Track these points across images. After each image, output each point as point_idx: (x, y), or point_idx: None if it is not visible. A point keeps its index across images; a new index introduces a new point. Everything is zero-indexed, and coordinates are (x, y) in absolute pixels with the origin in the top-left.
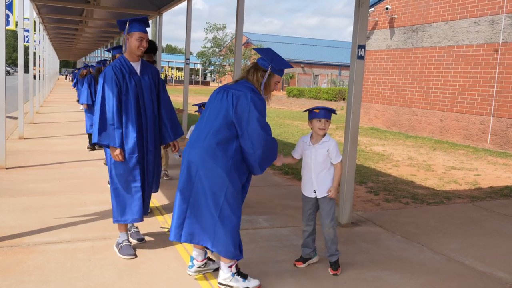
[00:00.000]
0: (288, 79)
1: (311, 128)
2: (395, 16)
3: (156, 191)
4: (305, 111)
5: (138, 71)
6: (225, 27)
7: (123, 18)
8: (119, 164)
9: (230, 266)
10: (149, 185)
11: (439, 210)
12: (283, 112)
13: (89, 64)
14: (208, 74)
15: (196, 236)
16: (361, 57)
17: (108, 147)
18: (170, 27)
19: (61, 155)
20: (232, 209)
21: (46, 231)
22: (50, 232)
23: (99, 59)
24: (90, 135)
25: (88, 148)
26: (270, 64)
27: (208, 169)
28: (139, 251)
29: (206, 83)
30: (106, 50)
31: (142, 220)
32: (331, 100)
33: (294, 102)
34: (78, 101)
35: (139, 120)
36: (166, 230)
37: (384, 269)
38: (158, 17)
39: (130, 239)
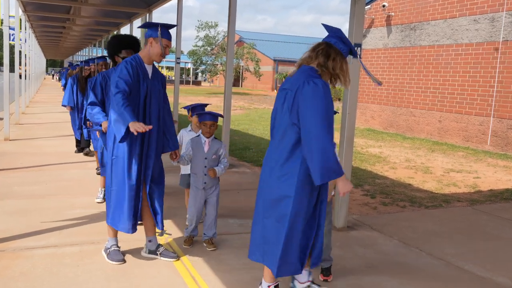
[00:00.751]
0: (282, 78)
1: None
2: (392, 13)
3: (161, 208)
4: None
5: (149, 75)
6: (217, 25)
7: (112, 16)
8: (117, 165)
9: None
10: (146, 192)
11: (437, 214)
12: None
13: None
14: (200, 74)
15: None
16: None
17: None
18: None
19: (48, 157)
20: None
21: (32, 236)
22: (37, 237)
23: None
24: (78, 140)
25: (75, 152)
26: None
27: None
28: (128, 257)
29: (197, 83)
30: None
31: (133, 232)
32: None
33: None
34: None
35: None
36: (157, 234)
37: (381, 274)
38: (147, 14)
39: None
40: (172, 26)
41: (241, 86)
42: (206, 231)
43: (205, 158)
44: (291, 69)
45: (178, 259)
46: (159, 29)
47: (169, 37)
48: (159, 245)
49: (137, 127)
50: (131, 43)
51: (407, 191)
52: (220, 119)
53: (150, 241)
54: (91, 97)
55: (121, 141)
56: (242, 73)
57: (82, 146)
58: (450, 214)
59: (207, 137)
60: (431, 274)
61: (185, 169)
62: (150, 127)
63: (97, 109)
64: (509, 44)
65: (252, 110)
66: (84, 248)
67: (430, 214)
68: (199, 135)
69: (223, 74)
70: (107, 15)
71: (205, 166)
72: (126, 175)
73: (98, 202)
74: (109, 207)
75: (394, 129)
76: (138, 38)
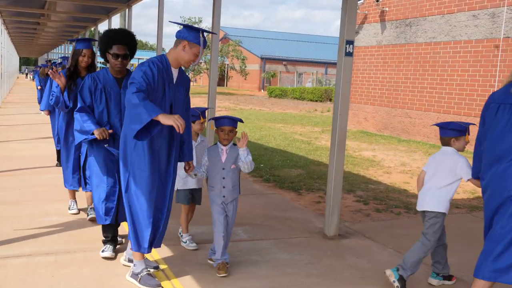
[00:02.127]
0: (270, 78)
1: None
2: (387, 9)
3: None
4: None
5: (174, 79)
6: (200, 21)
7: (89, 11)
8: (142, 181)
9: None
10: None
11: None
12: (264, 114)
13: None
14: None
15: None
16: (349, 54)
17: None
18: (140, 20)
19: (21, 161)
20: None
21: (5, 244)
22: (10, 245)
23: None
24: (59, 151)
25: (56, 165)
26: None
27: None
28: (108, 263)
29: None
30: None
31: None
32: (316, 101)
33: (276, 103)
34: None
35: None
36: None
37: (375, 285)
38: (127, 9)
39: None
40: (210, 33)
41: (226, 86)
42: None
43: (223, 169)
44: (279, 68)
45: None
46: (200, 36)
47: (204, 45)
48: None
49: (174, 121)
50: (124, 38)
51: (402, 197)
52: (203, 121)
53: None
54: (79, 102)
55: (143, 138)
56: (227, 72)
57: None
58: (448, 221)
59: (225, 145)
60: (428, 285)
61: (183, 183)
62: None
63: (86, 116)
64: (511, 41)
65: (238, 111)
66: (60, 257)
67: None
68: (216, 144)
69: (207, 73)
70: (84, 10)
71: (223, 178)
72: (149, 193)
73: (74, 213)
74: (135, 230)
75: (388, 131)
76: (133, 33)
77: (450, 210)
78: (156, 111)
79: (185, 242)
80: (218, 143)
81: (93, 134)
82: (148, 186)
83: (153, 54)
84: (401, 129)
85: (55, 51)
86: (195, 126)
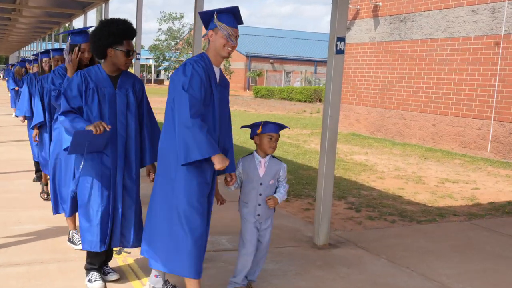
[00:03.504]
0: (255, 77)
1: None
2: (380, 3)
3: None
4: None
5: (217, 79)
6: (182, 17)
7: (64, 6)
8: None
9: None
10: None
11: (431, 229)
12: (250, 115)
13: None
14: (162, 71)
15: None
16: (340, 52)
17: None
18: (117, 16)
19: None
20: None
21: None
22: None
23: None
24: (37, 163)
25: (34, 180)
26: None
27: None
28: (82, 274)
29: (159, 82)
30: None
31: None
32: (305, 101)
33: (262, 104)
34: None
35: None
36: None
37: None
38: (104, 4)
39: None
40: (231, 10)
41: None
42: (249, 273)
43: (260, 184)
44: (265, 66)
45: None
46: (215, 16)
47: (231, 23)
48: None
49: (220, 163)
50: (133, 31)
51: (396, 203)
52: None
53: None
54: (63, 104)
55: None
56: None
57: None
58: (445, 230)
59: (264, 156)
60: None
61: None
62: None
63: (75, 115)
64: None
65: None
66: (32, 268)
67: (423, 229)
68: (252, 153)
69: None
70: (58, 5)
71: (260, 194)
72: (196, 208)
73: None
74: (174, 259)
75: (382, 134)
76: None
77: (447, 218)
78: (214, 149)
79: None
80: (255, 153)
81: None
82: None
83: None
84: (396, 132)
85: (27, 49)
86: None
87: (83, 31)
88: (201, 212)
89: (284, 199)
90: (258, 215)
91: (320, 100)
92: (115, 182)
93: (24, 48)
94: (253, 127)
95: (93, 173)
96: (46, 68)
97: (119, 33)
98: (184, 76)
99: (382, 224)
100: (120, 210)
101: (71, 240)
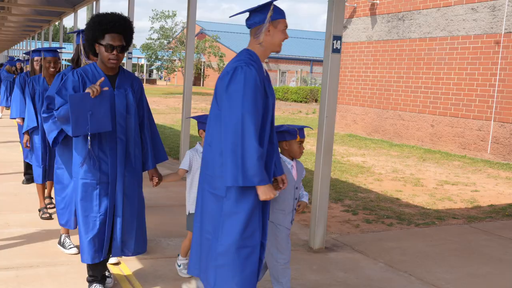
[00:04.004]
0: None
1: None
2: (377, 1)
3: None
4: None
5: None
6: (175, 15)
7: (53, 3)
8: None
9: None
10: None
11: (429, 232)
12: None
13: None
14: (155, 71)
15: None
16: (336, 51)
17: None
18: None
19: None
20: None
21: None
22: None
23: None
24: (28, 165)
25: (23, 182)
26: None
27: None
28: (72, 278)
29: (152, 81)
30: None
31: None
32: (301, 101)
33: None
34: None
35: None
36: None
37: None
38: (94, 2)
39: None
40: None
41: (203, 85)
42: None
43: (296, 188)
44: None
45: None
46: (271, 9)
47: (284, 15)
48: None
49: (268, 194)
50: (119, 24)
51: (394, 206)
52: (178, 123)
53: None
54: (58, 101)
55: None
56: (203, 70)
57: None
58: (444, 233)
59: (293, 159)
60: None
61: (194, 207)
62: None
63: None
64: None
65: None
66: (21, 272)
67: (421, 233)
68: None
69: (182, 72)
70: (48, 3)
71: (296, 199)
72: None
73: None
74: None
75: (379, 135)
76: (128, 18)
77: (446, 221)
78: (266, 178)
79: (179, 266)
80: (284, 157)
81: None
82: None
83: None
84: (393, 133)
85: (16, 47)
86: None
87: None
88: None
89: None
90: (292, 221)
91: (316, 101)
92: (115, 190)
93: (13, 47)
94: (286, 133)
95: (91, 182)
96: (37, 67)
97: (101, 26)
98: (245, 87)
99: (380, 227)
100: (120, 219)
101: (61, 244)
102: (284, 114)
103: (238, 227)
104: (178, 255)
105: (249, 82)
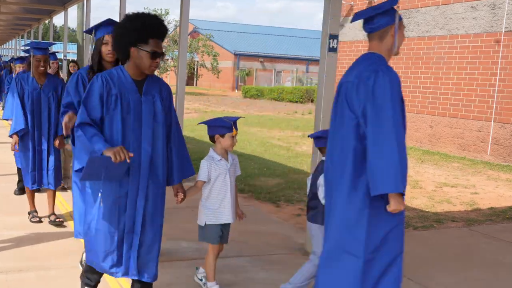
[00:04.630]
0: (244, 76)
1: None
2: None
3: None
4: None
5: None
6: (167, 13)
7: (43, 2)
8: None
9: None
10: None
11: (428, 236)
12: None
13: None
14: None
15: None
16: (333, 50)
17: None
18: (100, 13)
19: None
20: None
21: None
22: None
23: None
24: (20, 171)
25: (15, 193)
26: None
27: None
28: (62, 283)
29: None
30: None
31: None
32: (296, 102)
33: (251, 104)
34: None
35: None
36: None
37: None
38: (85, 0)
39: None
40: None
41: (196, 85)
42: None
43: None
44: (255, 65)
45: None
46: (397, 15)
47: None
48: None
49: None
50: (164, 29)
51: None
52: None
53: None
54: (82, 115)
55: None
56: (197, 69)
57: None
58: (444, 236)
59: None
60: None
61: (213, 216)
62: None
63: (93, 130)
64: None
65: (209, 114)
66: (10, 276)
67: (420, 236)
68: None
69: (175, 71)
70: (38, 1)
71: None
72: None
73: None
74: None
75: None
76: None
77: (446, 224)
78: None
79: (201, 280)
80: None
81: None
82: None
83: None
84: None
85: (4, 47)
86: (225, 141)
87: (106, 22)
88: None
89: None
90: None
91: (312, 101)
92: (135, 206)
93: (2, 46)
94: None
95: (111, 196)
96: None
97: (145, 29)
98: (392, 92)
99: None
100: (138, 237)
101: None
102: (279, 114)
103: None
104: (197, 268)
105: (395, 86)
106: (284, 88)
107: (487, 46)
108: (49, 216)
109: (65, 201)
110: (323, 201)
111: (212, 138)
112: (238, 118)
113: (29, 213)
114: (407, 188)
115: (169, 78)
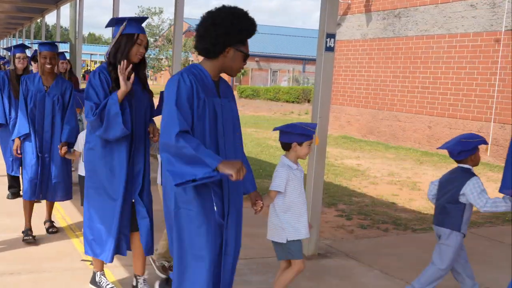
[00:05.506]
0: (240, 76)
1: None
2: None
3: None
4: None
5: None
6: (161, 12)
7: (34, 0)
8: None
9: None
10: None
11: (427, 238)
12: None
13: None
14: None
15: None
16: (330, 49)
17: None
18: (93, 11)
19: None
20: None
21: None
22: None
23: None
24: (12, 178)
25: (8, 197)
26: None
27: None
28: (55, 285)
29: None
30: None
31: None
32: (293, 101)
33: (247, 105)
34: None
35: None
36: (89, 263)
37: None
38: None
39: None
40: None
41: None
42: None
43: None
44: (250, 65)
45: None
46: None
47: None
48: None
49: None
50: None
51: (390, 211)
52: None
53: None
54: (180, 122)
55: None
56: None
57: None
58: None
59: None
60: None
61: (294, 231)
62: None
63: (194, 138)
64: None
65: None
66: (3, 279)
67: (418, 239)
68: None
69: (169, 71)
70: (29, 0)
71: None
72: None
73: None
74: None
75: (374, 137)
76: None
77: None
78: None
79: None
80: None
81: (216, 171)
82: None
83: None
84: (389, 134)
85: None
86: (302, 150)
87: (138, 18)
88: None
89: None
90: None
91: (308, 101)
92: (227, 224)
93: None
94: None
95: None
96: (19, 65)
97: (247, 29)
98: None
99: (375, 233)
100: (230, 258)
101: (97, 285)
102: (276, 115)
103: None
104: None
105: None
106: (280, 88)
107: (487, 45)
108: (44, 222)
109: (62, 209)
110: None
111: (286, 146)
112: (316, 125)
113: (23, 232)
114: (406, 190)
115: (163, 78)
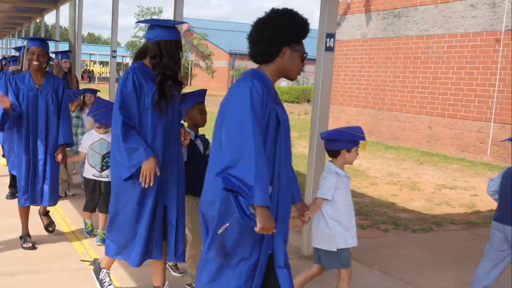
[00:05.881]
0: (239, 75)
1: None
2: None
3: None
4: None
5: None
6: (161, 12)
7: (33, 0)
8: None
9: None
10: None
11: (427, 239)
12: None
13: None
14: None
15: None
16: (329, 49)
17: None
18: (93, 11)
19: None
20: None
21: None
22: None
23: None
24: (14, 177)
25: (7, 197)
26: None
27: None
28: (52, 286)
29: None
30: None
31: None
32: (292, 102)
33: None
34: None
35: None
36: (89, 264)
37: None
38: None
39: None
40: None
41: (190, 85)
42: None
43: None
44: (250, 64)
45: None
46: None
47: None
48: None
49: None
50: None
51: (390, 211)
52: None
53: None
54: (256, 139)
55: None
56: (191, 69)
57: None
58: (443, 239)
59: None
60: None
61: (344, 240)
62: None
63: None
64: None
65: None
66: (1, 280)
67: (418, 239)
68: None
69: None
70: (29, 0)
71: None
72: None
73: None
74: None
75: (374, 137)
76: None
77: (445, 226)
78: None
79: None
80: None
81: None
82: None
83: (107, 49)
84: (389, 134)
85: None
86: (351, 156)
87: (172, 22)
88: None
89: None
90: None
91: (308, 101)
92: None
93: None
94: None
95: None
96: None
97: (302, 27)
98: None
99: (375, 234)
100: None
101: (101, 282)
102: None
103: None
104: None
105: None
106: (280, 88)
107: (487, 45)
108: (40, 217)
109: (61, 209)
110: None
111: (335, 153)
112: (361, 128)
113: (20, 238)
114: (406, 190)
115: None
